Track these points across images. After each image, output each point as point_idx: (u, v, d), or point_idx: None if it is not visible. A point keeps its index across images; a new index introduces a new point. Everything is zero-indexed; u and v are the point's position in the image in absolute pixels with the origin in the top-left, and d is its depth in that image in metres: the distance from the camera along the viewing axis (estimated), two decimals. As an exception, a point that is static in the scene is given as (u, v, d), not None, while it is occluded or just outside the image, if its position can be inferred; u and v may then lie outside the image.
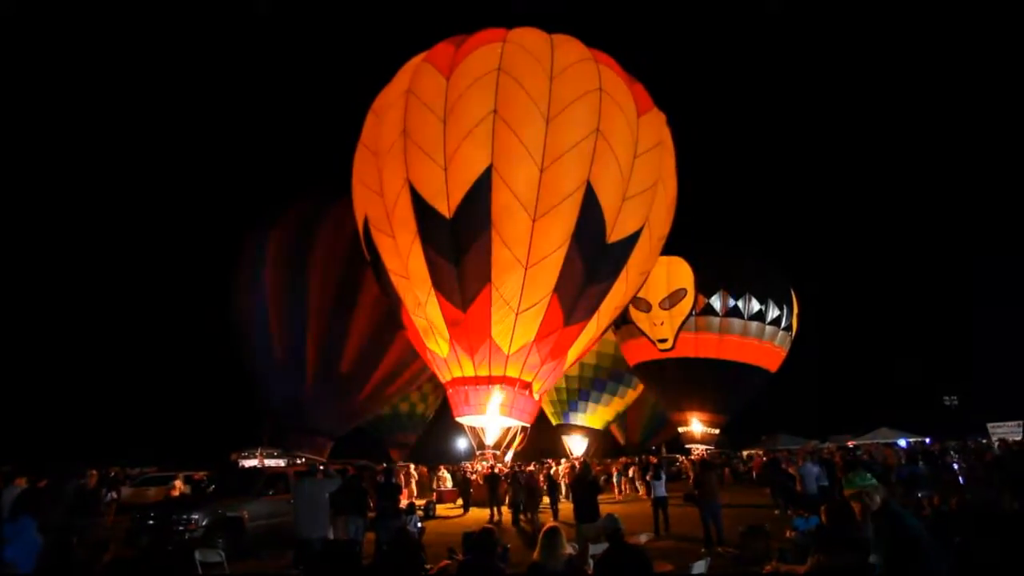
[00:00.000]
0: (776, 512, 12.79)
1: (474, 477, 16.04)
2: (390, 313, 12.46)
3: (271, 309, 12.59)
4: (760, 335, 20.72)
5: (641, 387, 26.95)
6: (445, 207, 8.88)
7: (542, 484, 14.93)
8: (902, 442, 29.18)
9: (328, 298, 12.46)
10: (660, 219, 10.18)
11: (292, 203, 13.86)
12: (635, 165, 9.26)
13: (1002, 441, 16.97)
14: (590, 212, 8.88)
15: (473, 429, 32.62)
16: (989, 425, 28.15)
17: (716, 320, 20.34)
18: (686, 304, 20.34)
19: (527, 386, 9.74)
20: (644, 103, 9.96)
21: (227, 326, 13.86)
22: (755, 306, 20.55)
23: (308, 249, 12.71)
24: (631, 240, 9.43)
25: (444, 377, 10.89)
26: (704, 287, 20.33)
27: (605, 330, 11.23)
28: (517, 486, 14.60)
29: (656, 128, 9.99)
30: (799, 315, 22.83)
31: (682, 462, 24.60)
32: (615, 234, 9.21)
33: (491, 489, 15.89)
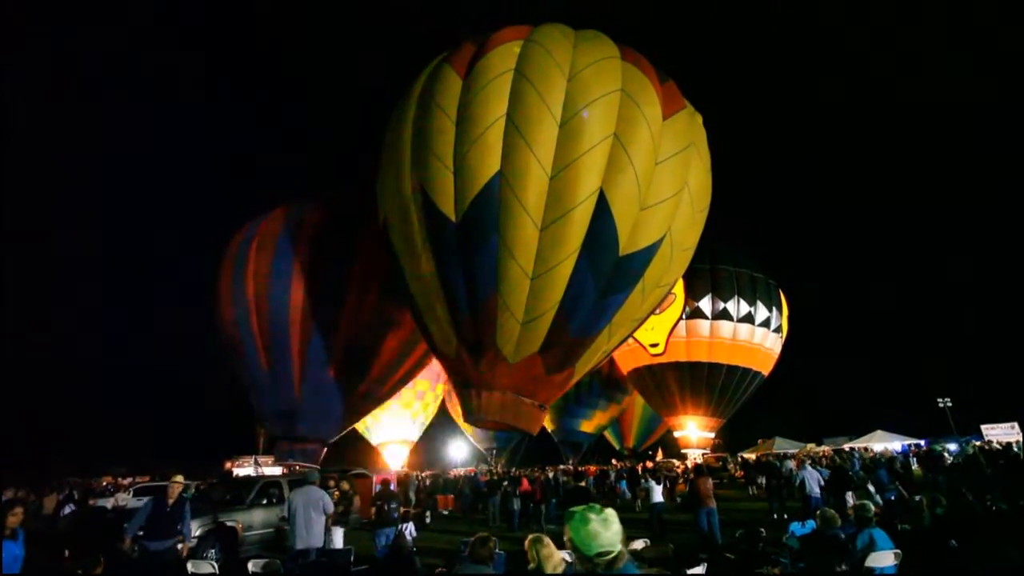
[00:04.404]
0: (774, 516, 12.77)
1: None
2: (378, 316, 12.45)
3: (254, 320, 12.51)
4: (750, 337, 20.79)
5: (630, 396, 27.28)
6: (453, 212, 8.71)
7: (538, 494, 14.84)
8: (898, 444, 29.27)
9: (311, 305, 12.38)
10: (684, 229, 9.49)
11: (273, 211, 13.76)
12: (656, 172, 8.73)
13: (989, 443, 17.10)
14: (601, 223, 8.43)
15: (476, 435, 32.45)
16: (983, 427, 28.32)
17: (706, 323, 20.40)
18: (676, 308, 20.40)
19: (532, 395, 9.59)
20: (673, 103, 9.34)
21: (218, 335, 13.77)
22: (744, 308, 20.64)
23: (288, 257, 12.64)
24: (648, 252, 8.93)
25: (452, 381, 10.85)
26: (693, 291, 20.40)
27: (622, 342, 10.89)
28: (513, 494, 14.56)
29: (685, 131, 9.31)
30: (789, 317, 22.93)
31: (678, 467, 24.58)
32: (630, 246, 8.72)
33: (490, 496, 15.84)
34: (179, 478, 7.06)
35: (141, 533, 6.47)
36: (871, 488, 11.82)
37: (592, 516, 2.07)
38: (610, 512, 2.10)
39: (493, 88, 8.74)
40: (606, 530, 2.03)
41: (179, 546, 6.75)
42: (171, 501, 6.72)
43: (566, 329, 9.03)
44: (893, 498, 10.41)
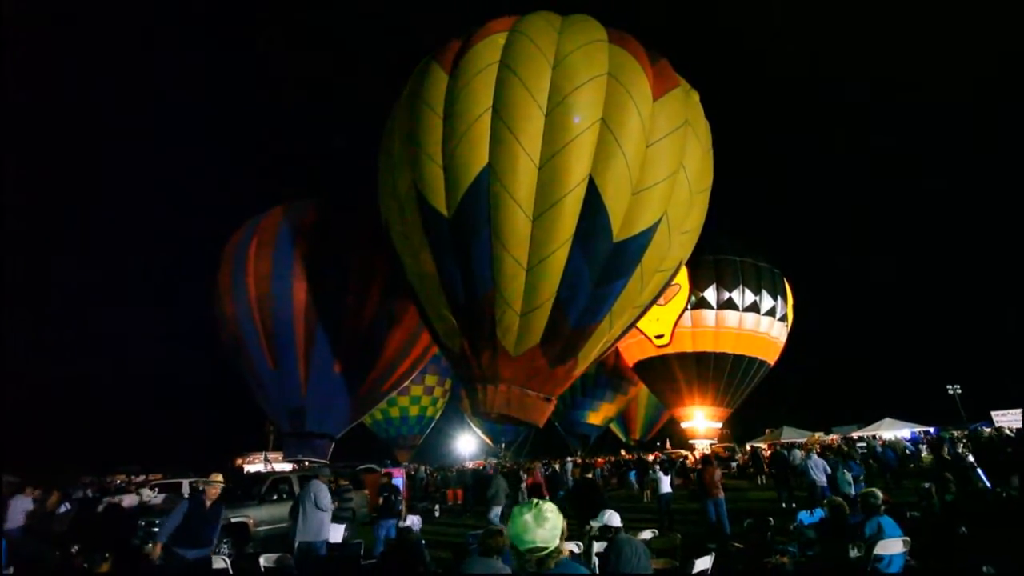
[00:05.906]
0: (783, 505, 12.77)
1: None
2: (381, 312, 12.50)
3: (257, 318, 12.57)
4: (756, 327, 20.69)
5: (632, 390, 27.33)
6: (445, 208, 8.72)
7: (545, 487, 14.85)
8: (907, 432, 29.15)
9: (314, 302, 12.44)
10: (682, 211, 9.28)
11: (272, 210, 13.77)
12: (648, 155, 8.57)
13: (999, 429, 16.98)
14: (592, 210, 8.35)
15: (483, 428, 32.56)
16: (993, 413, 28.14)
17: (711, 313, 20.31)
18: (681, 299, 20.32)
19: (537, 388, 9.59)
20: (666, 82, 9.13)
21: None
22: (749, 297, 20.54)
23: (289, 255, 12.68)
24: (644, 236, 8.80)
25: (458, 375, 10.94)
26: (697, 281, 20.32)
27: (627, 330, 10.76)
28: (516, 486, 14.63)
29: (679, 110, 9.10)
30: (794, 306, 22.81)
31: (687, 458, 24.59)
32: (624, 231, 8.62)
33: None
34: (219, 477, 6.36)
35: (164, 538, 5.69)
36: (848, 477, 11.71)
37: (525, 511, 2.03)
38: (548, 509, 2.05)
39: (478, 81, 8.67)
40: (538, 527, 1.98)
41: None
42: (210, 503, 6.01)
43: (565, 319, 8.96)
44: (853, 493, 10.11)
